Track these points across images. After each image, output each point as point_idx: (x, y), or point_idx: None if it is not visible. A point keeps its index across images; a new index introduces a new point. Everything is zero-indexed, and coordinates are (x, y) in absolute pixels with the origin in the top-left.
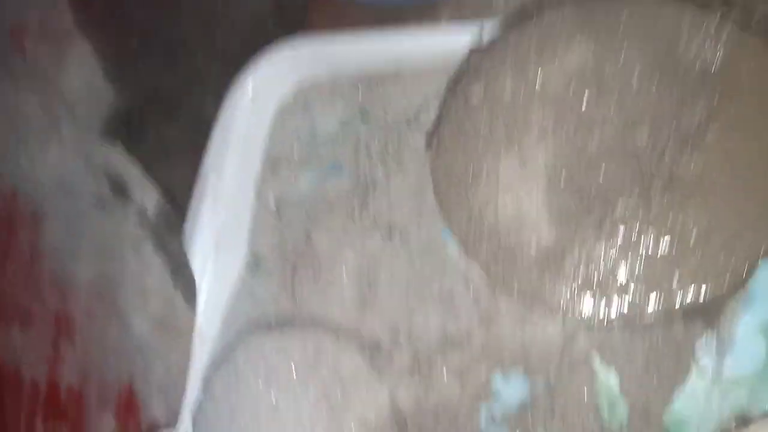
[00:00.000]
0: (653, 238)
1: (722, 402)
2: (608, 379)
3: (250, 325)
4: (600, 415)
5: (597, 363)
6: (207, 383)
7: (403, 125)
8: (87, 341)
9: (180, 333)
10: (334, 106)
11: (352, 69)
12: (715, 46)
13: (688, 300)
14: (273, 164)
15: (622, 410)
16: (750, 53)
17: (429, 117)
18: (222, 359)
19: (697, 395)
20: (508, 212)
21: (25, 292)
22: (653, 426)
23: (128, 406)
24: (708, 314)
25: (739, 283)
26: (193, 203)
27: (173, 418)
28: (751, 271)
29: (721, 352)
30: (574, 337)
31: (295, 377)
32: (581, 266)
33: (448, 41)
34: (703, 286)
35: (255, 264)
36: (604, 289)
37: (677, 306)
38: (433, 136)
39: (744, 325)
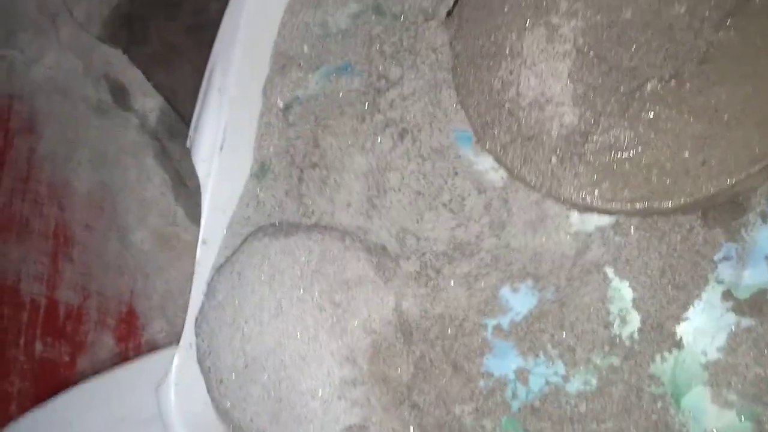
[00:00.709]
0: (683, 120)
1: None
2: (621, 289)
3: (256, 231)
4: (610, 327)
5: (610, 273)
6: (210, 288)
7: (420, 19)
8: (86, 256)
9: (182, 249)
10: (346, 3)
11: None
12: None
13: (714, 189)
14: (282, 63)
15: (633, 322)
16: None
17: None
18: (226, 263)
19: (713, 306)
20: (531, 91)
21: (23, 201)
22: (666, 337)
23: (129, 325)
24: (729, 220)
25: None
26: (198, 103)
27: (174, 336)
28: None
29: (740, 261)
30: (588, 246)
31: (299, 280)
32: (604, 150)
33: None
34: (732, 174)
35: (261, 168)
36: (626, 176)
37: (702, 196)
38: (454, 8)
39: (766, 232)
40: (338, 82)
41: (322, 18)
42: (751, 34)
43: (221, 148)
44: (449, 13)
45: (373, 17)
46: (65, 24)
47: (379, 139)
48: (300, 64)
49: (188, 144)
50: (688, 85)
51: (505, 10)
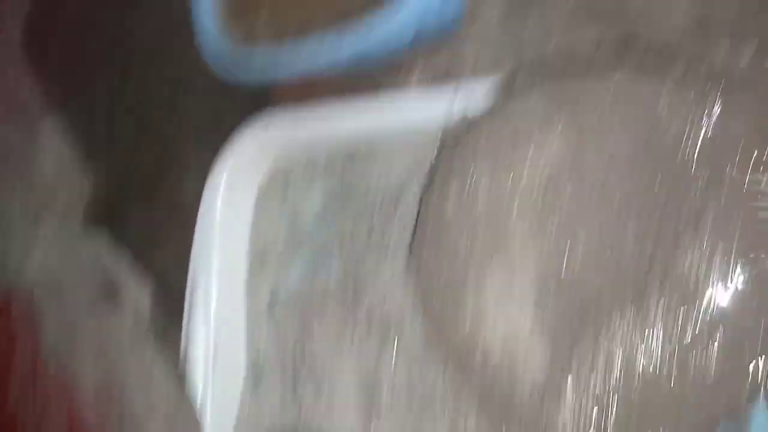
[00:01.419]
0: (652, 352)
1: None
2: None
3: None
4: None
5: None
6: None
7: (387, 203)
8: None
9: None
10: (313, 188)
11: (328, 145)
12: (699, 120)
13: (704, 424)
14: (260, 257)
15: None
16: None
17: (414, 194)
18: None
19: None
20: (498, 334)
21: (33, 401)
22: None
23: None
24: None
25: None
26: (184, 326)
27: None
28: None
29: None
30: None
31: None
32: (581, 392)
33: (422, 108)
34: (719, 408)
35: (256, 376)
36: (606, 415)
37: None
38: (411, 253)
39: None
40: (317, 272)
41: (292, 209)
42: (708, 252)
43: (213, 368)
44: (408, 259)
45: (342, 204)
46: (47, 216)
47: (365, 342)
48: (277, 256)
49: (181, 358)
50: (651, 313)
51: (461, 253)
